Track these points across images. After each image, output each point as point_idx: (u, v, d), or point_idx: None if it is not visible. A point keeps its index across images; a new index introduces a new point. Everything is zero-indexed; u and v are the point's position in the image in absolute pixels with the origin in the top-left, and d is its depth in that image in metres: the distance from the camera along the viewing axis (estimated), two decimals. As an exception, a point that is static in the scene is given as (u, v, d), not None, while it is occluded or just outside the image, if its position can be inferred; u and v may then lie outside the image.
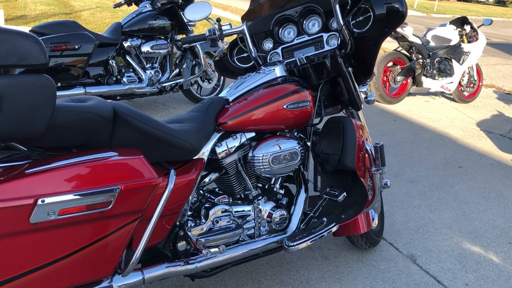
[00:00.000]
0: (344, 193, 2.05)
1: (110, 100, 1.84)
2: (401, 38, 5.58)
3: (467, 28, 5.99)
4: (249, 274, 2.18)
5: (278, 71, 2.02)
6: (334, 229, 2.00)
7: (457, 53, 5.78)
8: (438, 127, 4.91)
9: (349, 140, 1.98)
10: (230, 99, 1.94)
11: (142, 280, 1.57)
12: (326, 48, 2.09)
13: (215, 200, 1.89)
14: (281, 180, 2.07)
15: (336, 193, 2.05)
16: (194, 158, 1.74)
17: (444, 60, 5.74)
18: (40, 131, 1.27)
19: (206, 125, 1.81)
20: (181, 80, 4.44)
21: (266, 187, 2.04)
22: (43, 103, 1.26)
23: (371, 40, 2.06)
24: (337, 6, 2.00)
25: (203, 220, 1.81)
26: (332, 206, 2.10)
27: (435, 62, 5.68)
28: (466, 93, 6.13)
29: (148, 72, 4.22)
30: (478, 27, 6.03)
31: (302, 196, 2.06)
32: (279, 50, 2.18)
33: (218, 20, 2.13)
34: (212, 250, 1.77)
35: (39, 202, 1.22)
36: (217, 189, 1.98)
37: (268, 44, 2.22)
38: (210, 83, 4.87)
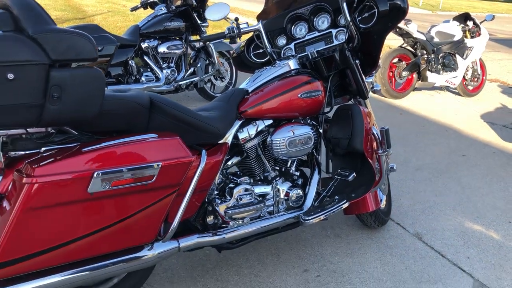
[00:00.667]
0: (354, 174, 2.25)
1: (146, 91, 2.07)
2: (405, 35, 5.76)
3: (470, 24, 6.16)
4: (268, 250, 2.39)
5: (292, 64, 2.24)
6: (345, 205, 2.21)
7: (460, 48, 5.95)
8: (443, 120, 5.09)
9: (358, 125, 2.19)
10: (249, 90, 2.16)
11: (178, 248, 1.78)
12: (335, 42, 2.30)
13: (238, 180, 2.11)
14: (296, 163, 2.28)
15: (347, 173, 2.26)
16: (219, 142, 1.96)
17: (448, 55, 5.91)
18: (91, 116, 1.49)
19: (229, 113, 2.02)
20: (196, 78, 4.66)
21: (283, 169, 2.25)
22: (95, 92, 1.47)
23: (376, 35, 2.26)
24: (345, 4, 2.20)
25: (228, 198, 2.02)
26: (343, 186, 2.31)
27: (439, 57, 5.85)
28: (470, 87, 6.29)
29: (164, 71, 4.45)
30: (481, 22, 6.19)
31: (315, 177, 2.27)
32: (292, 45, 2.39)
33: (236, 19, 2.36)
34: (238, 222, 1.99)
35: (95, 174, 1.45)
36: (238, 172, 2.19)
37: (281, 40, 2.43)
38: (222, 81, 5.10)
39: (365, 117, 2.23)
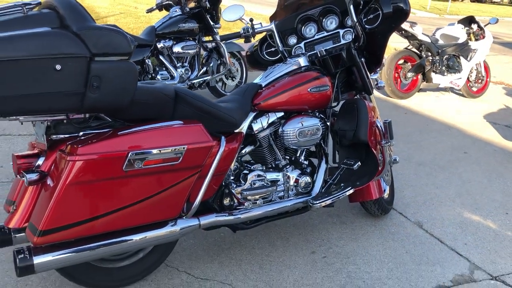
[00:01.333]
0: (359, 163, 2.43)
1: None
2: (411, 37, 5.93)
3: (474, 26, 6.32)
4: (278, 234, 2.58)
5: (302, 62, 2.43)
6: (350, 192, 2.39)
7: (464, 50, 6.11)
8: (446, 119, 5.25)
9: (362, 117, 2.37)
10: (263, 84, 2.34)
11: (198, 225, 1.97)
12: (342, 42, 2.48)
13: (251, 167, 2.29)
14: (305, 153, 2.46)
15: (352, 162, 2.44)
16: (235, 131, 2.15)
17: (452, 57, 6.07)
18: (125, 104, 1.68)
19: (244, 105, 2.21)
20: (208, 77, 4.86)
21: (293, 158, 2.44)
22: (129, 83, 1.66)
23: (380, 35, 2.45)
24: (352, 6, 2.39)
25: (243, 182, 2.21)
26: (349, 174, 2.49)
27: (443, 59, 6.02)
28: (474, 89, 6.45)
29: (179, 70, 4.65)
30: (485, 25, 6.34)
31: (323, 166, 2.45)
32: (302, 44, 2.58)
33: (251, 20, 2.55)
34: (251, 204, 2.18)
35: (130, 154, 1.64)
36: (251, 161, 2.38)
37: (292, 40, 2.62)
38: (233, 80, 5.30)
39: (369, 110, 2.41)
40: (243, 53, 5.39)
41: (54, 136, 1.74)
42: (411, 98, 6.03)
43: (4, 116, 1.56)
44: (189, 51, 4.73)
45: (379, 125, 2.52)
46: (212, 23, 4.83)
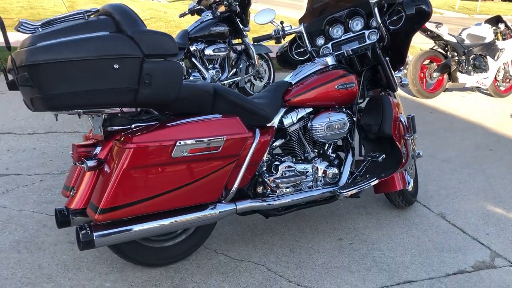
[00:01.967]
0: (384, 155, 2.58)
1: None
2: (436, 37, 6.01)
3: (502, 26, 6.34)
4: (307, 222, 2.75)
5: (330, 61, 2.60)
6: (375, 182, 2.54)
7: (491, 50, 6.15)
8: (472, 118, 5.31)
9: (387, 112, 2.53)
10: (293, 82, 2.53)
11: (235, 209, 2.17)
12: (368, 42, 2.64)
13: (282, 159, 2.48)
14: (333, 146, 2.63)
15: (377, 155, 2.60)
16: (268, 125, 2.34)
17: (479, 56, 6.12)
18: (172, 100, 1.89)
19: (275, 101, 2.40)
20: (238, 78, 5.08)
21: (321, 151, 2.61)
22: (175, 81, 1.87)
23: (404, 35, 2.60)
24: (376, 9, 2.55)
25: (274, 172, 2.39)
26: (374, 166, 2.65)
27: (470, 59, 6.07)
28: (502, 88, 6.47)
29: (210, 71, 4.88)
30: (512, 24, 6.37)
31: (349, 159, 2.62)
32: (329, 45, 2.75)
33: (282, 22, 2.74)
34: (283, 192, 2.36)
35: (178, 143, 1.85)
36: (281, 153, 2.56)
37: (320, 41, 2.79)
38: (261, 81, 5.50)
39: (393, 106, 2.57)
40: (271, 55, 5.60)
41: (109, 128, 1.97)
42: (436, 98, 6.10)
43: (70, 110, 1.79)
44: (220, 54, 4.95)
45: (403, 120, 2.67)
46: (241, 26, 5.04)
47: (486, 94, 6.54)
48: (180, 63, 4.71)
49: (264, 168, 2.39)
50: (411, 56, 6.29)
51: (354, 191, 2.48)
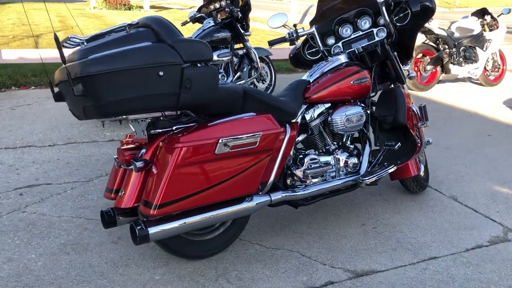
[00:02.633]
0: (399, 143, 2.77)
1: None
2: (428, 32, 6.25)
3: (488, 18, 6.60)
4: (330, 211, 2.92)
5: (343, 58, 2.78)
6: (393, 169, 2.72)
7: (480, 41, 6.40)
8: (467, 107, 5.54)
9: (400, 102, 2.72)
10: (311, 80, 2.70)
11: (270, 201, 2.33)
12: (377, 39, 2.83)
13: (306, 152, 2.65)
14: (350, 138, 2.81)
15: (393, 143, 2.78)
16: (292, 121, 2.50)
17: (468, 48, 6.37)
18: (210, 101, 2.05)
19: (297, 98, 2.57)
20: (242, 81, 5.24)
21: (340, 143, 2.78)
22: (212, 84, 2.03)
23: (410, 31, 2.80)
24: (384, 8, 2.74)
25: (301, 165, 2.56)
26: (390, 155, 2.83)
27: (460, 51, 6.32)
28: (491, 77, 6.73)
29: (215, 76, 5.04)
30: (498, 16, 6.63)
31: (367, 149, 2.80)
32: (340, 44, 2.93)
33: (295, 25, 2.92)
34: (310, 182, 2.53)
35: (220, 140, 2.01)
36: (303, 148, 2.73)
37: (331, 40, 2.97)
38: (263, 83, 5.68)
39: (406, 96, 2.76)
40: (272, 57, 5.78)
41: (152, 131, 2.12)
42: (431, 90, 6.33)
43: (120, 116, 1.94)
44: (224, 59, 5.11)
45: (414, 110, 2.86)
46: (242, 31, 5.21)
47: (477, 84, 6.79)
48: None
49: (291, 162, 2.56)
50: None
51: (374, 179, 2.66)
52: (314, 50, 3.06)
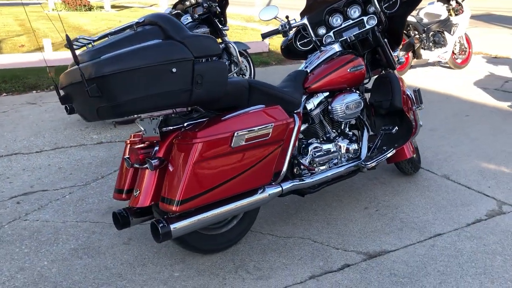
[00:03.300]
0: (396, 127, 2.86)
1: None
2: (398, 19, 6.40)
3: (453, 3, 6.83)
4: (332, 198, 2.99)
5: (337, 47, 2.84)
6: (392, 152, 2.81)
7: (447, 25, 6.62)
8: (442, 90, 5.74)
9: (395, 87, 2.81)
10: (308, 70, 2.75)
11: (281, 190, 2.37)
12: (368, 27, 2.90)
13: (308, 141, 2.69)
14: (348, 125, 2.88)
15: (390, 127, 2.87)
16: (295, 111, 2.55)
17: (437, 33, 6.58)
18: (221, 96, 2.06)
19: (298, 89, 2.62)
20: (223, 76, 5.24)
21: (339, 130, 2.85)
22: (222, 78, 2.04)
23: (399, 17, 2.89)
24: (374, -4, 2.82)
25: (306, 154, 2.61)
26: (387, 139, 2.92)
27: (429, 36, 6.52)
28: (459, 60, 6.98)
29: (197, 73, 5.01)
30: (462, 0, 6.87)
31: (365, 135, 2.87)
32: (331, 33, 2.98)
33: (287, 17, 2.96)
34: (315, 170, 2.58)
35: (235, 134, 2.03)
36: (304, 137, 2.78)
37: (322, 30, 3.02)
38: (244, 77, 5.68)
39: (400, 81, 2.85)
40: (249, 51, 5.80)
41: (164, 128, 2.11)
42: (404, 76, 6.50)
43: (135, 115, 1.92)
44: (204, 54, 5.09)
45: (409, 93, 2.95)
46: (220, 26, 5.20)
47: (446, 67, 7.03)
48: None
49: (296, 152, 2.60)
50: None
51: (375, 163, 2.74)
52: (306, 40, 3.10)
